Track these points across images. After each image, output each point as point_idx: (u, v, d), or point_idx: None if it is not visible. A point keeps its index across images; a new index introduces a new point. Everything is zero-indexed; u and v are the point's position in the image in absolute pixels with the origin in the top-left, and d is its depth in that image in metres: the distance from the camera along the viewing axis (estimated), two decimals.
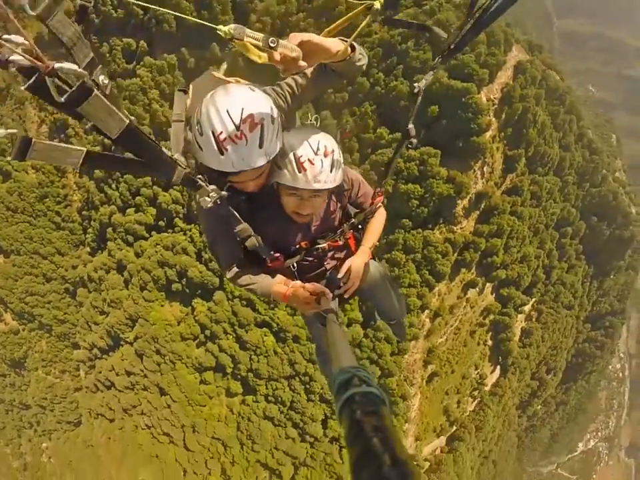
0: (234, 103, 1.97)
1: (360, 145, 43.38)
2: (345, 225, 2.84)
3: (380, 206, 2.98)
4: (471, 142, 40.88)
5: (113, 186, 53.36)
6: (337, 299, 3.11)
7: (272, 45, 1.60)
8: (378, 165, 42.15)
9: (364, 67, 2.40)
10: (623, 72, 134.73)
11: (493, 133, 42.51)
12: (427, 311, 45.60)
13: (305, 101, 2.57)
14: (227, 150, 1.97)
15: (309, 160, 2.24)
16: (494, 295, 48.86)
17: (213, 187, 2.08)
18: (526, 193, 45.24)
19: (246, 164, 2.02)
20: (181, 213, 51.52)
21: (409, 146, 2.75)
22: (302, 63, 1.75)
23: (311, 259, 2.88)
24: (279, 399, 48.57)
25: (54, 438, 58.99)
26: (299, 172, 2.26)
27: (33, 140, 1.20)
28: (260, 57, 1.63)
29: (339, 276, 2.68)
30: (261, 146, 2.00)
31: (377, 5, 1.80)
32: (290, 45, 1.69)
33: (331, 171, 2.30)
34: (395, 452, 0.71)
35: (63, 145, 1.29)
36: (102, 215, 53.59)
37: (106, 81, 1.30)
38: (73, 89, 1.14)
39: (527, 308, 51.21)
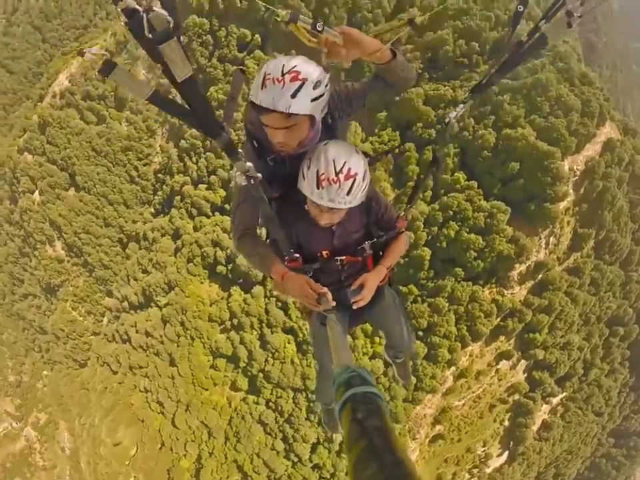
0: (293, 59, 2.16)
1: (435, 184, 43.35)
2: (366, 242, 2.90)
3: (403, 231, 3.04)
4: (544, 208, 39.80)
5: (194, 159, 55.50)
6: (348, 316, 3.38)
7: (319, 28, 1.84)
8: (447, 207, 41.96)
9: (411, 82, 2.60)
10: None
11: (567, 205, 41.20)
12: (453, 368, 43.72)
13: (355, 107, 2.72)
14: (265, 86, 2.12)
15: (328, 179, 2.31)
16: (525, 374, 46.19)
17: (250, 164, 2.12)
18: (586, 277, 43.02)
19: (272, 103, 2.13)
20: None
21: (436, 171, 2.93)
22: (342, 50, 1.99)
23: (327, 270, 2.96)
24: (279, 408, 47.31)
25: (56, 369, 59.78)
26: (317, 188, 2.34)
27: (118, 64, 1.33)
28: (309, 40, 1.90)
29: (352, 287, 2.73)
30: (292, 96, 2.12)
31: (418, 20, 2.14)
32: (333, 32, 1.92)
33: (348, 194, 2.35)
34: (396, 452, 0.71)
35: (139, 78, 1.55)
36: (175, 182, 55.66)
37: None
38: (161, 29, 1.29)
39: (555, 400, 47.97)
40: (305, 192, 2.42)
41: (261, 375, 47.89)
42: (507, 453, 49.75)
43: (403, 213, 2.98)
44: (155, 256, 53.59)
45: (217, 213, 53.78)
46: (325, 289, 2.45)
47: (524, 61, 2.38)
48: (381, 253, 3.05)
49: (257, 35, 53.94)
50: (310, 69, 2.18)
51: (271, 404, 47.97)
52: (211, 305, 51.28)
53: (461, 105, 2.66)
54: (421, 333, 42.67)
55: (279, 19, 1.79)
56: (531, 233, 40.95)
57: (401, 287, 40.49)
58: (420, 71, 46.21)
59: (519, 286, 42.52)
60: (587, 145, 40.91)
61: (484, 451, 48.85)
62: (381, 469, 0.67)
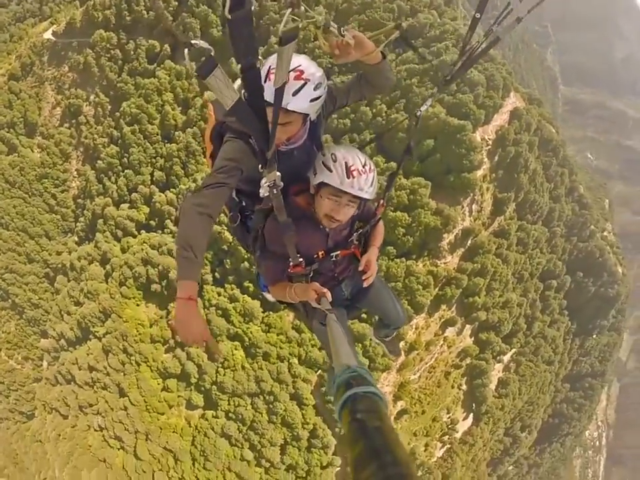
0: (297, 57, 2.22)
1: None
2: (354, 234, 3.05)
3: (380, 218, 3.22)
4: (462, 178, 40.84)
5: (112, 179, 53.54)
6: (344, 311, 3.41)
7: (343, 33, 2.08)
8: None
9: (391, 83, 2.74)
10: (622, 142, 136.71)
11: (484, 173, 42.44)
12: (402, 343, 43.99)
13: (338, 106, 2.84)
14: (269, 79, 2.14)
15: (358, 170, 2.49)
16: (473, 338, 47.04)
17: (279, 174, 2.20)
18: (512, 237, 44.54)
19: (272, 98, 2.00)
20: (174, 215, 51.02)
21: (409, 158, 3.19)
22: (352, 52, 2.17)
23: (322, 270, 3.04)
24: (240, 416, 46.28)
25: (3, 427, 56.34)
26: (348, 177, 2.49)
27: (218, 65, 1.41)
28: (324, 44, 2.14)
29: (360, 268, 2.92)
30: (294, 94, 2.21)
31: (405, 25, 2.31)
32: (348, 36, 2.11)
33: (371, 185, 2.56)
34: (396, 452, 0.71)
35: (232, 83, 1.51)
36: (96, 205, 53.36)
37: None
38: (203, 60, 1.39)
39: (505, 358, 49.28)
40: (332, 184, 2.53)
41: (214, 387, 46.70)
42: (471, 415, 50.69)
43: (382, 200, 3.15)
44: (86, 285, 51.15)
45: (142, 231, 52.12)
46: (326, 290, 2.59)
47: (479, 59, 2.68)
48: (365, 240, 3.21)
49: (166, 45, 52.28)
50: (313, 70, 2.29)
51: (230, 414, 46.83)
52: (151, 326, 49.56)
53: (429, 100, 2.90)
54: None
55: (317, 23, 1.99)
56: (454, 202, 41.82)
57: None
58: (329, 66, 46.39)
59: (450, 255, 43.31)
60: (495, 115, 42.57)
61: (449, 417, 49.53)
62: (380, 469, 0.67)
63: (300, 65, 2.23)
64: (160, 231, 51.40)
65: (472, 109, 40.48)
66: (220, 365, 46.56)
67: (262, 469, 46.97)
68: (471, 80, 40.98)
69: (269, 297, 3.29)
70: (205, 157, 3.15)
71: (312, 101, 2.31)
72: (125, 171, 52.62)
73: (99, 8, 52.78)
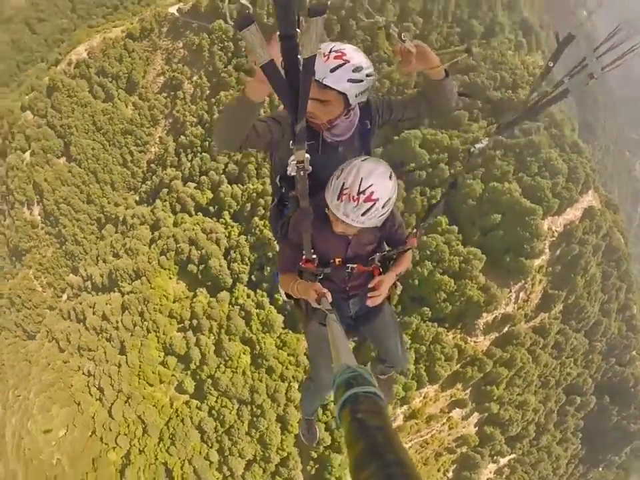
0: (345, 44, 2.39)
1: (416, 224, 44.02)
2: (377, 254, 3.00)
3: (410, 248, 3.11)
4: (518, 262, 40.18)
5: (189, 156, 56.16)
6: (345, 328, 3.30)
7: (403, 38, 2.07)
8: (425, 246, 42.33)
9: (451, 108, 2.78)
10: None
11: (541, 263, 41.67)
12: (405, 407, 42.76)
13: (393, 118, 2.91)
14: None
15: (350, 195, 2.39)
16: (477, 428, 45.03)
17: (308, 156, 2.20)
18: (550, 338, 42.97)
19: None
20: (233, 209, 52.76)
21: (452, 194, 3.36)
22: (413, 60, 2.17)
23: (335, 278, 3.08)
24: (222, 417, 45.61)
25: (2, 336, 57.48)
26: (337, 199, 2.44)
27: (255, 22, 1.42)
28: (387, 47, 2.32)
29: (369, 285, 2.83)
30: (331, 71, 2.32)
31: (476, 51, 2.71)
32: (411, 44, 2.14)
33: (363, 215, 2.43)
34: (396, 452, 0.70)
35: (266, 45, 1.52)
36: (166, 174, 56.06)
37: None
38: (241, 15, 1.41)
39: (502, 460, 46.50)
40: (327, 198, 2.51)
41: (209, 380, 46.40)
42: None
43: (415, 230, 3.08)
44: (130, 242, 52.99)
45: (199, 213, 53.87)
46: (326, 290, 2.59)
47: (546, 108, 2.58)
48: (389, 264, 3.13)
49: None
50: (356, 55, 2.36)
51: (213, 412, 46.24)
52: (174, 302, 50.40)
53: (486, 139, 2.80)
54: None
55: (379, 24, 2.04)
56: (503, 284, 41.10)
57: None
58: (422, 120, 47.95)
59: (483, 335, 42.32)
60: (568, 208, 42.01)
61: None
62: (381, 469, 0.67)
63: (344, 49, 2.34)
64: (215, 219, 53.10)
65: (547, 196, 40.08)
66: (223, 362, 46.59)
67: (221, 475, 45.66)
68: (554, 167, 40.89)
69: (281, 291, 3.27)
70: None
71: (351, 81, 2.36)
72: (203, 153, 55.25)
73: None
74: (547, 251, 41.37)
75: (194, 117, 57.24)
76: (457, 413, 44.33)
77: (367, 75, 2.43)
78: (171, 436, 46.12)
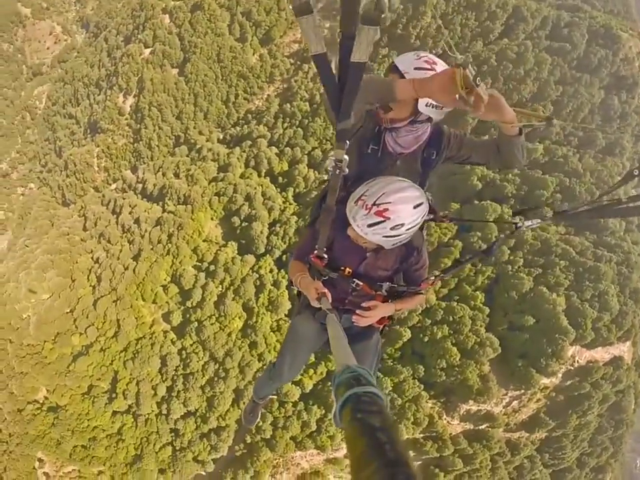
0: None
1: (456, 287, 44.03)
2: (387, 283, 2.99)
3: (423, 293, 3.13)
4: (528, 371, 39.59)
5: (285, 125, 58.01)
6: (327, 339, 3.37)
7: (477, 82, 2.01)
8: (451, 311, 42.23)
9: (517, 165, 2.78)
10: None
11: (548, 385, 40.78)
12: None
13: (462, 155, 2.94)
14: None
15: (365, 203, 2.46)
16: None
17: (346, 157, 2.26)
18: (518, 459, 41.96)
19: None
20: (299, 190, 53.92)
21: (482, 262, 3.47)
22: (482, 108, 2.10)
23: (338, 288, 3.11)
24: (188, 361, 46.73)
25: (41, 191, 60.53)
26: (354, 202, 2.54)
27: (314, 12, 1.48)
28: (461, 88, 2.03)
29: (364, 304, 2.89)
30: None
31: (556, 123, 2.36)
32: (484, 91, 2.07)
33: (368, 226, 2.50)
34: (396, 451, 0.72)
35: (321, 34, 1.60)
36: (257, 130, 58.00)
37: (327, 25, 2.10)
38: (303, 2, 1.47)
39: None
40: (350, 197, 2.64)
41: (195, 324, 47.50)
42: None
43: (433, 277, 3.09)
44: (194, 170, 55.02)
45: (268, 178, 55.39)
46: (327, 290, 2.69)
47: (616, 216, 2.41)
48: (394, 298, 3.16)
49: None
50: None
51: (183, 353, 47.23)
52: (204, 241, 51.90)
53: (538, 220, 2.69)
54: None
55: (456, 59, 2.04)
56: (503, 384, 40.52)
57: None
58: (509, 195, 48.18)
59: (458, 421, 41.71)
60: (599, 347, 41.12)
61: None
62: (381, 468, 0.68)
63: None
64: (279, 190, 54.43)
65: (586, 325, 39.26)
66: (216, 316, 47.51)
67: (157, 410, 46.78)
68: (607, 302, 40.00)
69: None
70: None
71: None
72: (299, 128, 56.85)
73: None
74: (559, 375, 40.45)
75: (307, 93, 59.03)
76: None
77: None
78: (135, 352, 47.34)
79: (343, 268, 2.96)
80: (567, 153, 49.29)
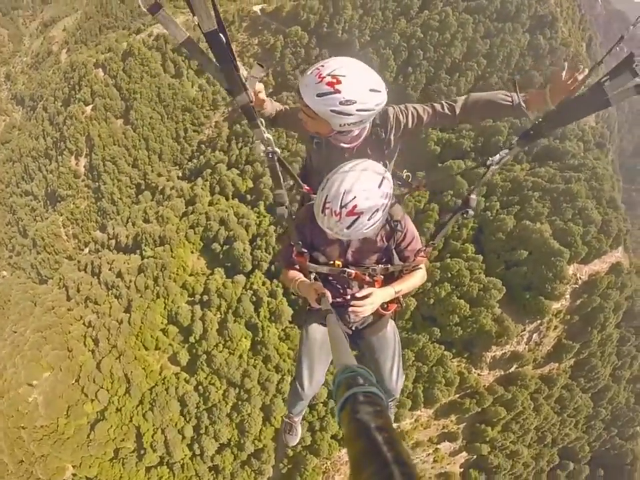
0: (351, 67, 2.41)
1: (444, 246, 45.78)
2: (380, 265, 2.90)
3: (421, 267, 3.05)
4: (538, 300, 41.10)
5: (240, 145, 60.17)
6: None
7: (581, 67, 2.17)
8: (447, 269, 43.94)
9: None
10: None
11: (560, 308, 42.25)
12: (394, 424, 42.98)
13: (414, 132, 2.95)
14: (302, 76, 2.49)
15: (332, 210, 2.33)
16: (462, 469, 44.58)
17: (269, 136, 2.28)
18: (556, 390, 43.12)
19: (301, 89, 2.45)
20: (269, 201, 55.67)
21: (465, 215, 2.81)
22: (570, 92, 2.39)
23: (335, 283, 3.10)
24: (207, 394, 46.75)
25: (15, 275, 60.41)
26: (321, 212, 2.40)
27: (164, 8, 1.71)
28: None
29: (357, 294, 2.75)
30: (318, 95, 2.36)
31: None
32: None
33: (347, 228, 2.38)
34: (396, 451, 0.74)
35: (178, 24, 1.79)
36: (214, 156, 60.21)
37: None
38: (152, 3, 1.68)
39: None
40: (314, 208, 2.51)
41: (204, 356, 47.84)
42: None
43: (424, 248, 2.95)
44: (163, 210, 56.48)
45: (236, 199, 57.28)
46: (326, 291, 2.65)
47: (577, 117, 2.33)
48: (392, 279, 3.06)
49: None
50: (355, 85, 2.37)
51: (200, 387, 47.35)
52: (190, 275, 52.90)
53: (505, 150, 2.62)
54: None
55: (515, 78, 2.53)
56: (518, 320, 41.85)
57: None
58: (469, 149, 51.08)
59: (488, 370, 42.64)
60: (595, 259, 43.04)
61: None
62: (381, 468, 0.69)
63: (344, 75, 2.34)
64: (250, 207, 56.22)
65: (577, 242, 41.24)
66: (222, 341, 48.09)
67: (190, 452, 46.51)
68: (588, 216, 42.42)
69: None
70: None
71: (334, 112, 2.42)
72: (253, 144, 58.34)
73: (306, 9, 63.44)
74: (567, 296, 42.10)
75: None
76: (445, 447, 44.07)
77: (361, 110, 2.42)
78: (151, 401, 47.24)
79: (332, 262, 2.89)
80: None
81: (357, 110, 2.40)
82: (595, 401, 45.49)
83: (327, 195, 2.35)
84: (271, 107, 3.06)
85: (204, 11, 1.64)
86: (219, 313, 49.61)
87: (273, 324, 48.45)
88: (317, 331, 3.33)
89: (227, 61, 1.87)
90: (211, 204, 56.69)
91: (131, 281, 52.33)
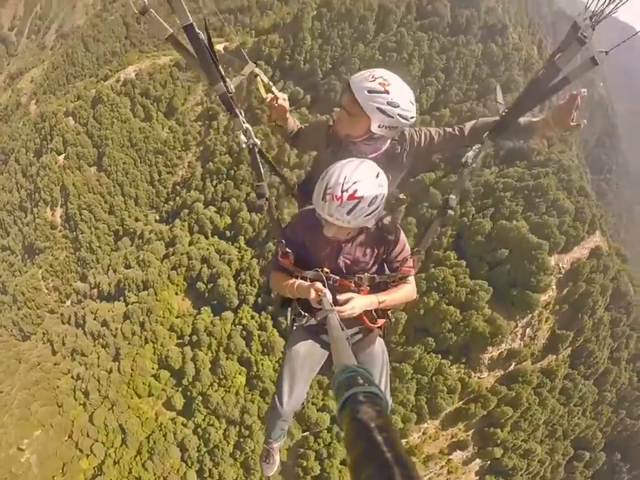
0: (396, 77, 2.61)
1: (426, 256, 46.37)
2: (365, 274, 2.88)
3: (409, 281, 3.00)
4: (525, 295, 41.82)
5: (214, 182, 60.81)
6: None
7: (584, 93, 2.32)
8: (432, 278, 44.41)
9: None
10: None
11: (548, 299, 42.96)
12: (402, 441, 42.20)
13: (425, 153, 3.02)
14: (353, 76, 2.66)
15: (333, 195, 2.38)
16: (478, 477, 43.54)
17: (248, 126, 2.39)
18: (558, 382, 43.13)
19: (353, 85, 2.59)
20: (249, 235, 56.42)
21: (446, 215, 2.84)
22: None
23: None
24: (207, 436, 45.66)
25: None
26: (322, 200, 2.44)
27: (150, 10, 1.89)
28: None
29: (338, 297, 2.70)
30: (369, 92, 2.54)
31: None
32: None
33: (348, 214, 2.42)
34: (396, 452, 0.74)
35: (163, 24, 1.96)
36: (189, 196, 60.68)
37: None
38: (140, 7, 1.90)
39: None
40: (313, 201, 2.56)
41: (200, 397, 47.07)
42: None
43: (411, 258, 2.94)
44: (143, 254, 56.36)
45: (215, 237, 57.79)
46: (325, 290, 2.60)
47: (541, 100, 2.44)
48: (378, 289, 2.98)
49: (307, 96, 62.41)
50: (401, 93, 2.54)
51: (199, 430, 46.26)
52: (177, 317, 52.59)
53: (477, 146, 2.71)
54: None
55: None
56: (509, 317, 42.41)
57: None
58: (437, 161, 52.50)
59: (488, 371, 42.71)
60: (575, 247, 44.35)
61: None
62: (380, 469, 0.69)
63: (392, 81, 2.52)
64: (230, 243, 56.62)
65: (554, 233, 42.52)
66: (217, 380, 47.30)
67: None
68: (561, 207, 43.94)
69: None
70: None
71: (380, 111, 2.54)
72: (228, 180, 60.02)
73: (268, 43, 65.85)
74: (553, 287, 43.03)
75: (224, 146, 62.68)
76: (457, 456, 43.29)
77: (401, 116, 2.54)
78: (149, 450, 45.83)
79: (321, 269, 2.85)
80: (471, 106, 54.80)
81: (399, 114, 2.54)
82: (598, 386, 45.73)
83: (327, 182, 2.42)
84: (293, 122, 3.16)
85: (181, 8, 1.87)
86: (210, 351, 49.24)
87: (267, 356, 48.09)
88: (300, 345, 3.25)
89: (204, 52, 2.06)
90: (191, 243, 56.98)
91: (117, 329, 51.64)
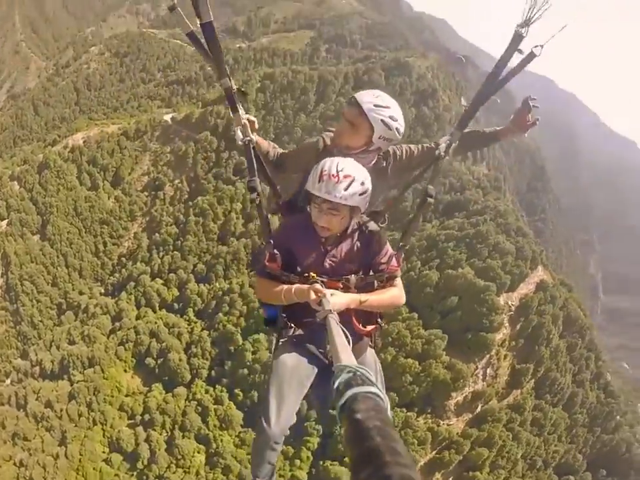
0: (393, 102, 2.97)
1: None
2: (352, 275, 2.92)
3: (396, 284, 3.07)
4: (479, 337, 43.57)
5: (160, 254, 60.54)
6: (325, 370, 3.09)
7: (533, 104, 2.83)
8: (386, 334, 44.88)
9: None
10: None
11: (503, 337, 44.94)
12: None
13: (406, 166, 3.28)
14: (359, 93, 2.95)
15: (329, 174, 2.57)
16: None
17: (247, 116, 2.57)
18: (527, 415, 44.13)
19: (359, 99, 2.90)
20: (198, 306, 56.12)
21: (426, 202, 2.94)
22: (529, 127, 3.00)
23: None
24: None
25: None
26: (318, 181, 2.60)
27: (177, 8, 2.03)
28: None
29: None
30: (375, 105, 2.84)
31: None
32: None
33: (345, 190, 2.57)
34: (397, 452, 0.73)
35: (186, 21, 2.08)
36: (136, 269, 59.95)
37: None
38: (169, 5, 2.03)
39: None
40: (308, 187, 2.69)
41: None
42: None
43: (395, 252, 3.02)
44: (88, 329, 54.23)
45: (163, 310, 56.75)
46: (324, 291, 2.63)
47: (494, 91, 2.71)
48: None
49: None
50: (399, 112, 2.89)
51: None
52: (126, 395, 50.51)
53: (446, 137, 2.92)
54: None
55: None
56: (468, 360, 43.94)
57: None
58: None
59: (455, 417, 43.32)
60: (521, 284, 47.34)
61: None
62: (380, 469, 0.69)
63: (392, 103, 2.88)
64: (179, 315, 55.90)
65: (499, 274, 45.35)
66: (174, 461, 45.19)
67: None
68: (502, 249, 47.05)
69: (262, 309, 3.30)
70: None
71: (383, 123, 2.84)
72: (174, 252, 59.98)
73: (213, 114, 67.67)
74: (506, 324, 45.47)
75: (170, 217, 63.08)
76: None
77: (397, 130, 2.87)
78: None
79: (307, 274, 2.88)
80: None
81: (396, 127, 2.85)
82: (567, 410, 47.53)
83: (322, 167, 2.61)
84: (267, 145, 3.36)
85: (204, 6, 2.03)
86: (164, 431, 47.37)
87: (225, 431, 46.84)
88: (287, 356, 3.03)
89: (217, 49, 2.26)
90: (138, 317, 55.63)
91: (62, 410, 48.61)
